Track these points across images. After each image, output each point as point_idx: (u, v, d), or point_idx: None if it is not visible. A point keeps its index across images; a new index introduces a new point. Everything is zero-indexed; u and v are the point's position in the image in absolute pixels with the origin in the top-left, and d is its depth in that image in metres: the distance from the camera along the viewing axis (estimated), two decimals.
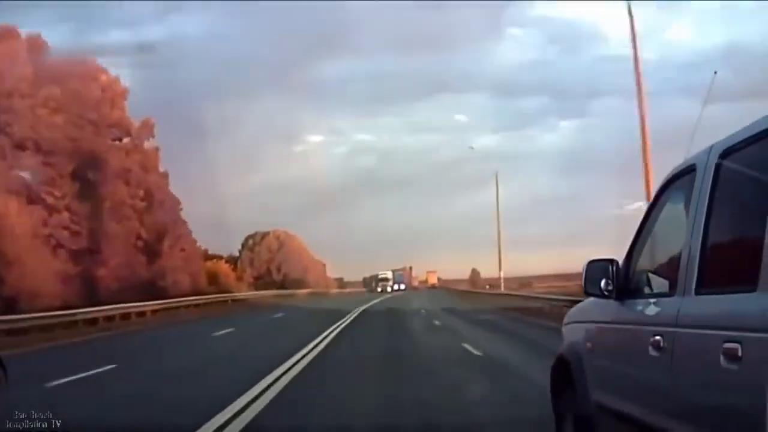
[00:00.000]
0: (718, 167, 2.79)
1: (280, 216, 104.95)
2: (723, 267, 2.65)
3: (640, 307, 3.26)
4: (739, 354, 2.24)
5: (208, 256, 52.44)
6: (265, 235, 71.78)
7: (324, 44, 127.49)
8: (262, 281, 65.78)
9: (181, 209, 42.96)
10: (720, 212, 2.73)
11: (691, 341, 2.64)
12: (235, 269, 60.14)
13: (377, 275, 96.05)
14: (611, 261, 3.56)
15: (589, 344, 3.86)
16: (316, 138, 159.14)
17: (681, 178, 3.20)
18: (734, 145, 2.72)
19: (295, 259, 72.63)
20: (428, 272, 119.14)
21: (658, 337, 2.88)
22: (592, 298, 3.86)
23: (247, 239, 70.55)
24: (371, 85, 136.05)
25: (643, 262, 3.51)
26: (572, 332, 4.22)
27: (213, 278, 47.78)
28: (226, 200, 71.07)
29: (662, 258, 3.29)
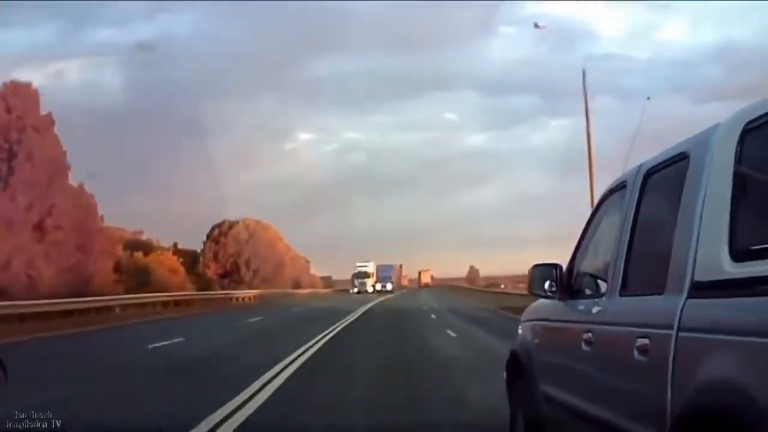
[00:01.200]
0: (643, 184, 3.16)
1: (269, 212, 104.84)
2: (640, 273, 3.01)
3: (578, 307, 3.63)
4: (648, 348, 2.61)
5: (176, 251, 48.80)
6: (233, 224, 60.22)
7: (314, 42, 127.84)
8: (229, 278, 56.67)
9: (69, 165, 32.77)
10: (642, 224, 3.09)
11: (613, 337, 3.02)
12: (196, 264, 53.21)
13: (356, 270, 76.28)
14: (555, 265, 3.93)
15: (536, 340, 4.23)
16: (306, 136, 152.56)
17: (615, 192, 3.57)
18: (656, 165, 3.08)
19: (267, 252, 61.77)
20: (421, 271, 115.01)
21: (589, 334, 3.26)
22: (542, 300, 4.23)
23: (213, 229, 59.58)
24: (362, 83, 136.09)
25: (585, 266, 3.88)
26: (524, 330, 4.59)
27: (139, 273, 38.63)
28: (214, 197, 68.98)
29: (599, 263, 3.66)
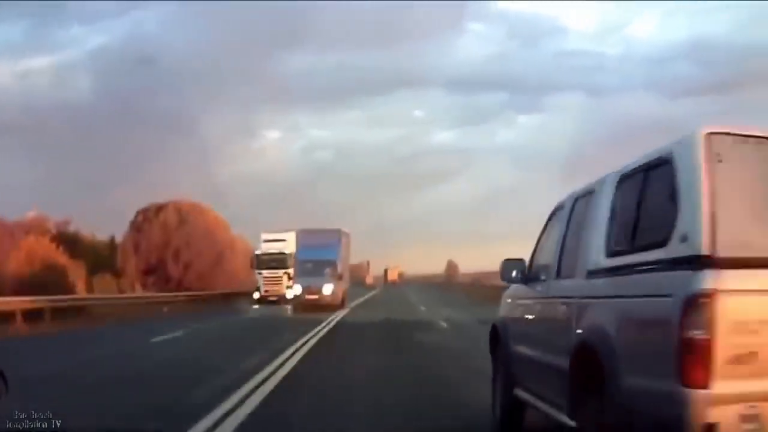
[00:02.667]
0: (572, 207, 4.80)
1: (235, 210, 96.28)
2: (566, 264, 4.66)
3: (534, 288, 5.28)
4: (566, 311, 4.25)
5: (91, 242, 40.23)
6: (161, 208, 47.07)
7: (282, 40, 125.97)
8: (154, 276, 44.63)
9: None
10: (569, 234, 4.74)
11: (548, 306, 4.68)
12: (113, 256, 42.72)
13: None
14: (520, 260, 5.58)
15: (508, 314, 5.90)
16: (273, 134, 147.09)
17: (558, 210, 5.20)
18: (581, 194, 4.71)
19: (203, 242, 46.72)
20: (388, 268, 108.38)
21: (538, 306, 4.92)
22: (513, 285, 5.87)
23: (137, 215, 47.06)
24: (329, 80, 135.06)
25: (539, 260, 5.51)
26: (502, 307, 6.25)
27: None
28: (171, 191, 62.62)
29: (548, 258, 5.30)
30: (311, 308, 27.73)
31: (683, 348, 2.86)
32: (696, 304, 2.86)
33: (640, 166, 3.76)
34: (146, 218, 46.52)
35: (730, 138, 3.21)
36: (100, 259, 39.22)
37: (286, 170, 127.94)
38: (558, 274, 4.72)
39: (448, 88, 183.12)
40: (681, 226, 3.11)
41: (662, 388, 2.97)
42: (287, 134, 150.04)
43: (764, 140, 3.25)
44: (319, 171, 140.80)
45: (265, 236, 40.07)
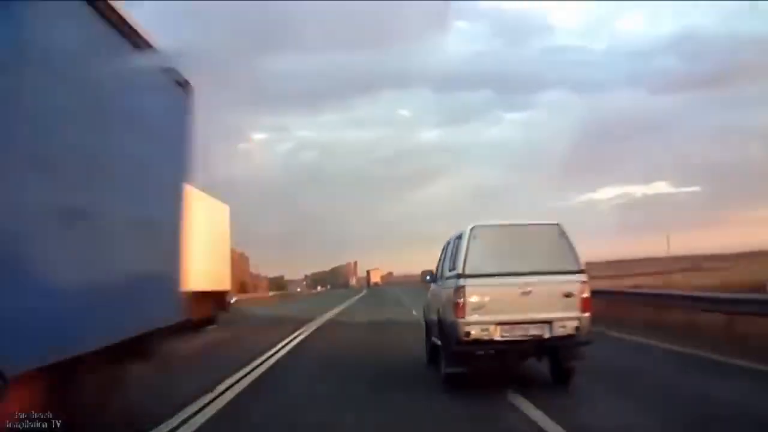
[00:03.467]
0: (451, 241, 10.16)
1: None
2: (442, 272, 10.04)
3: (435, 285, 10.66)
4: (450, 295, 9.60)
5: None
6: None
7: (265, 39, 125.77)
8: None
9: None
10: (447, 255, 10.09)
11: (441, 292, 10.09)
12: None
13: None
14: (431, 270, 10.97)
15: (430, 297, 11.30)
16: (259, 135, 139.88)
17: (452, 239, 10.55)
18: (456, 235, 10.10)
19: None
20: (370, 270, 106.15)
21: (434, 293, 10.35)
22: (431, 284, 11.22)
23: None
24: (314, 81, 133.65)
25: (441, 268, 10.87)
26: (429, 294, 11.61)
27: None
28: None
29: (439, 269, 10.63)
30: None
31: (455, 304, 8.27)
32: (459, 289, 8.27)
33: (459, 235, 9.12)
34: None
35: (481, 227, 8.62)
36: None
37: (271, 172, 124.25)
38: (441, 278, 10.10)
39: (434, 86, 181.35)
40: (458, 262, 8.52)
41: (452, 319, 8.38)
42: (273, 135, 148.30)
43: (496, 227, 8.69)
44: (305, 171, 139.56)
45: None
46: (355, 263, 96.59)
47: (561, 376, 8.73)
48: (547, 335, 8.16)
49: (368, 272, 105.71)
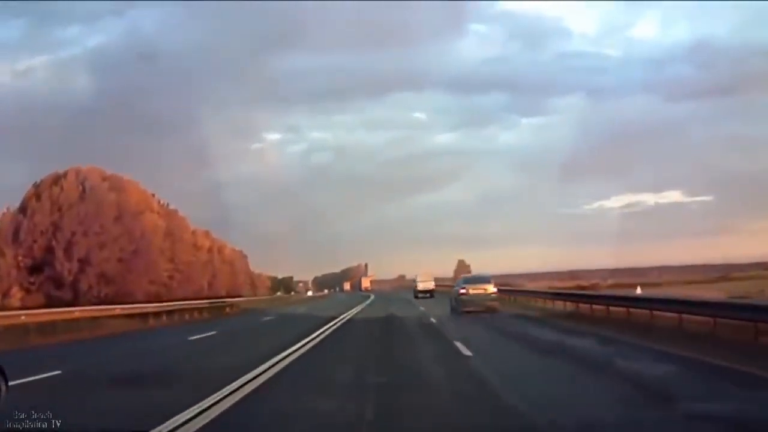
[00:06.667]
0: (461, 277, 31.51)
1: (234, 212, 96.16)
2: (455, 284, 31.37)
3: (456, 288, 32.04)
4: (456, 293, 30.86)
5: None
6: (58, 179, 35.68)
7: (282, 40, 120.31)
8: (42, 275, 33.00)
9: None
10: (458, 282, 31.43)
11: (456, 289, 31.45)
12: None
13: None
14: (454, 279, 32.47)
15: (453, 291, 32.73)
16: (273, 135, 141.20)
17: (459, 279, 31.87)
18: (463, 278, 31.49)
19: (114, 226, 35.79)
20: (362, 277, 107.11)
21: (456, 290, 31.87)
22: (456, 287, 32.49)
23: (31, 191, 35.99)
24: (329, 82, 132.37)
25: (456, 284, 32.09)
26: (454, 291, 32.96)
27: None
28: (177, 197, 63.24)
29: (458, 284, 31.88)
30: None
31: (458, 292, 29.74)
32: (462, 292, 29.70)
33: (461, 278, 30.40)
34: (37, 194, 34.31)
35: (464, 276, 30.12)
36: None
37: (285, 172, 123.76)
38: (456, 286, 31.45)
39: (450, 90, 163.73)
40: (458, 281, 30.22)
41: (457, 296, 29.81)
42: (286, 136, 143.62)
43: (470, 276, 30.25)
44: (319, 173, 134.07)
45: None
46: (366, 265, 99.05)
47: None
48: (486, 305, 29.21)
49: (360, 279, 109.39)
